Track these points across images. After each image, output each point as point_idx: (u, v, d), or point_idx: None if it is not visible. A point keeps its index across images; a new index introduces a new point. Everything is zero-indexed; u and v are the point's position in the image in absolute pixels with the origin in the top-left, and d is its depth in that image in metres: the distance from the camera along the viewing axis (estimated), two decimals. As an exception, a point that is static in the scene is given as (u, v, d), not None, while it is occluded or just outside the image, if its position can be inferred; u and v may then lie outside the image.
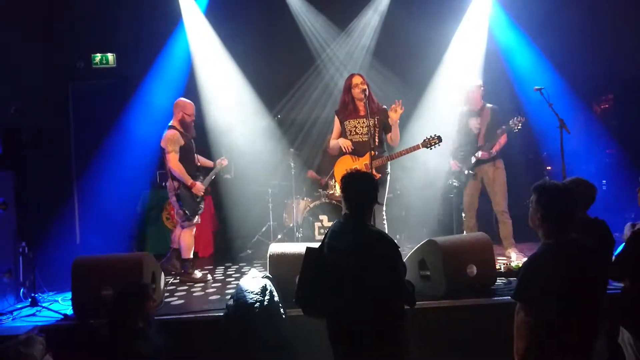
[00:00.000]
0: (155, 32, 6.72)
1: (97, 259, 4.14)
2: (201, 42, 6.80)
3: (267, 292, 3.56)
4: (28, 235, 4.63)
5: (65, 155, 6.76)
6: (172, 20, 6.71)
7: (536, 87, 4.81)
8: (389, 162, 4.66)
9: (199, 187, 4.97)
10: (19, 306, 4.28)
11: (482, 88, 5.42)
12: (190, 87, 6.74)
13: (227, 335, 3.47)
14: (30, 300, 4.31)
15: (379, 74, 6.93)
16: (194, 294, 4.60)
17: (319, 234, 5.67)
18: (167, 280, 4.80)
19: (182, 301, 4.37)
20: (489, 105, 5.45)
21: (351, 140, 4.68)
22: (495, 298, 3.98)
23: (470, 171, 5.37)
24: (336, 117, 4.84)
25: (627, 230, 3.02)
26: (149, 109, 6.33)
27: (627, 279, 2.93)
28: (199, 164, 5.24)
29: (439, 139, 4.50)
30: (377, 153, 4.50)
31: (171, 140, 4.83)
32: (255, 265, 5.71)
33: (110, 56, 6.83)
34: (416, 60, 6.96)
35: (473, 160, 5.35)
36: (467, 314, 3.81)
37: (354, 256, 2.55)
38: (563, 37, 6.64)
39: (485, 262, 4.11)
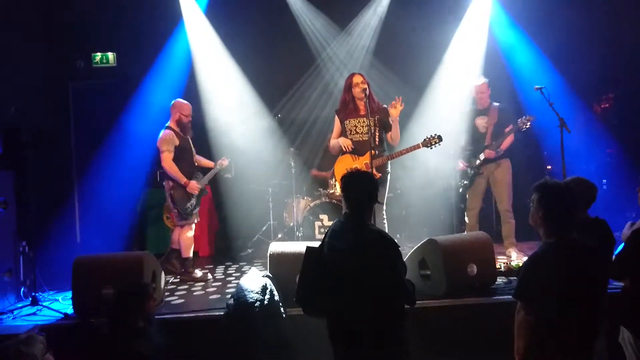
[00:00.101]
0: (155, 32, 6.72)
1: (97, 258, 4.15)
2: (201, 41, 6.80)
3: (268, 291, 3.57)
4: (28, 234, 4.64)
5: (66, 155, 6.75)
6: (172, 19, 6.70)
7: (536, 87, 4.81)
8: (389, 162, 4.66)
9: (193, 185, 5.00)
10: (20, 305, 4.28)
11: (489, 87, 5.43)
12: (190, 87, 6.74)
13: (227, 334, 3.47)
14: (30, 299, 4.32)
15: (379, 73, 6.93)
16: (194, 293, 4.60)
17: (319, 233, 5.67)
18: (167, 279, 4.81)
19: (183, 300, 4.37)
20: (495, 103, 5.45)
21: (351, 139, 4.68)
22: (496, 297, 3.98)
23: (476, 170, 5.36)
24: (336, 116, 4.83)
25: (626, 230, 3.02)
26: (149, 108, 6.32)
27: (627, 279, 2.93)
28: (196, 164, 5.28)
29: (439, 138, 4.50)
30: (377, 152, 4.50)
31: (164, 140, 4.92)
32: (255, 264, 5.71)
33: (111, 55, 6.83)
34: (416, 59, 6.96)
35: (480, 159, 5.34)
36: (467, 313, 3.81)
37: (354, 255, 2.55)
38: (563, 36, 6.63)
39: (485, 262, 4.11)
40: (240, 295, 3.53)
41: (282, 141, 6.90)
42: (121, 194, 6.38)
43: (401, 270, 2.60)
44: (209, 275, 5.19)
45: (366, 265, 2.52)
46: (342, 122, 4.77)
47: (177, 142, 4.97)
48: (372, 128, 4.48)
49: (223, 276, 5.31)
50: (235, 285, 4.37)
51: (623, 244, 3.00)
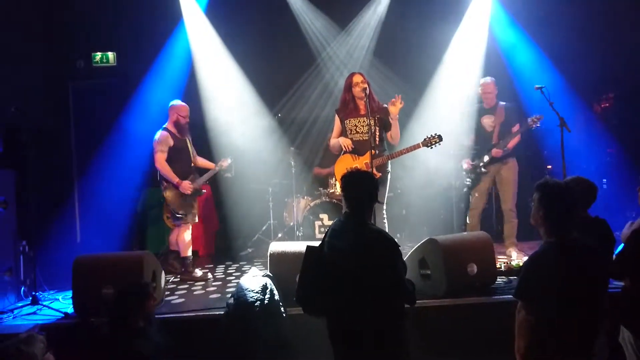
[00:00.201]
0: (155, 31, 6.72)
1: (97, 258, 4.15)
2: (201, 41, 6.80)
3: (268, 290, 3.57)
4: (29, 234, 4.64)
5: (66, 154, 6.75)
6: (172, 19, 6.70)
7: (537, 86, 4.81)
8: (389, 161, 4.66)
9: (185, 185, 5.03)
10: (20, 305, 4.28)
11: (496, 86, 5.43)
12: (190, 86, 6.74)
13: (227, 333, 3.47)
14: (30, 298, 4.32)
15: (379, 72, 6.93)
16: (194, 293, 4.60)
17: (320, 232, 5.67)
18: (167, 279, 4.81)
19: (183, 300, 4.37)
20: (502, 103, 5.45)
21: (351, 139, 4.68)
22: (496, 297, 3.98)
23: (482, 169, 5.36)
24: (336, 115, 4.83)
25: (626, 230, 3.02)
26: (149, 108, 6.32)
27: (627, 278, 2.93)
28: (193, 164, 5.32)
29: (440, 138, 4.49)
30: (377, 152, 4.50)
31: (158, 141, 5.01)
32: (255, 264, 5.72)
33: (111, 55, 6.83)
34: (417, 59, 6.95)
35: (487, 158, 5.34)
36: (467, 313, 3.81)
37: (354, 255, 2.55)
38: (563, 36, 6.63)
39: (485, 261, 4.11)
40: (240, 295, 3.53)
41: (282, 141, 6.90)
42: (121, 194, 6.38)
43: (401, 270, 2.60)
44: (209, 275, 5.20)
45: (366, 265, 2.52)
46: (342, 122, 4.77)
47: (171, 143, 5.04)
48: (372, 127, 4.47)
49: (223, 275, 5.31)
50: (235, 284, 4.37)
51: (623, 244, 3.00)
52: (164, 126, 5.14)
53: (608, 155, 6.72)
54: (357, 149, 4.66)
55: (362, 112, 4.63)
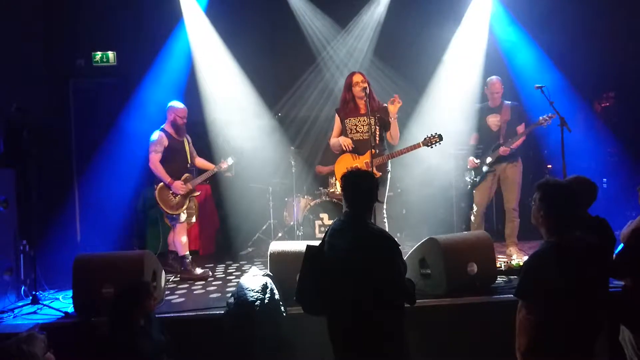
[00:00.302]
0: (155, 30, 6.72)
1: (98, 257, 4.15)
2: (202, 40, 6.80)
3: (268, 290, 3.57)
4: (29, 233, 4.64)
5: (66, 153, 6.75)
6: (172, 18, 6.70)
7: (537, 85, 4.81)
8: (389, 161, 4.66)
9: (177, 185, 5.06)
10: (20, 304, 4.28)
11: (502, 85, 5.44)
12: (190, 85, 6.74)
13: (227, 333, 3.48)
14: (31, 298, 4.32)
15: (379, 72, 6.93)
16: (194, 292, 4.60)
17: (320, 232, 5.68)
18: (167, 278, 4.82)
19: (183, 299, 4.38)
20: (507, 102, 5.45)
21: (352, 138, 4.68)
22: (496, 296, 3.98)
23: (489, 167, 5.36)
24: (337, 115, 4.83)
25: (626, 229, 3.02)
26: (149, 107, 6.32)
27: (627, 278, 2.94)
28: (190, 165, 5.35)
29: (440, 137, 4.49)
30: (377, 151, 4.50)
31: (152, 141, 5.10)
32: (255, 263, 5.72)
33: (111, 54, 6.82)
34: (417, 58, 6.96)
35: (493, 156, 5.34)
36: (467, 313, 3.81)
37: (354, 254, 2.55)
38: (564, 35, 6.63)
39: (485, 260, 4.11)
40: (240, 294, 3.53)
41: (283, 140, 6.90)
42: (122, 193, 6.39)
43: (401, 269, 2.60)
44: (209, 273, 5.22)
45: (366, 264, 2.52)
46: (342, 121, 4.77)
47: (165, 143, 5.09)
48: (372, 127, 4.47)
49: (223, 275, 5.31)
50: (235, 284, 4.37)
51: (622, 244, 3.00)
52: (162, 126, 5.19)
53: (608, 154, 6.72)
54: (358, 149, 4.66)
55: (362, 112, 4.63)
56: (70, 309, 3.94)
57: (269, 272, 3.87)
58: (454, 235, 4.55)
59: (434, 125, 5.54)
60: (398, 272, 2.57)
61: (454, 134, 5.55)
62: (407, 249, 4.63)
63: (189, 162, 5.36)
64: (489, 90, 5.45)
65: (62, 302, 4.31)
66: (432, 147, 4.55)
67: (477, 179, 5.45)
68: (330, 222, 5.49)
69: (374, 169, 4.27)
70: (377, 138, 4.54)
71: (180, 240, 5.12)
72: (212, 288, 4.72)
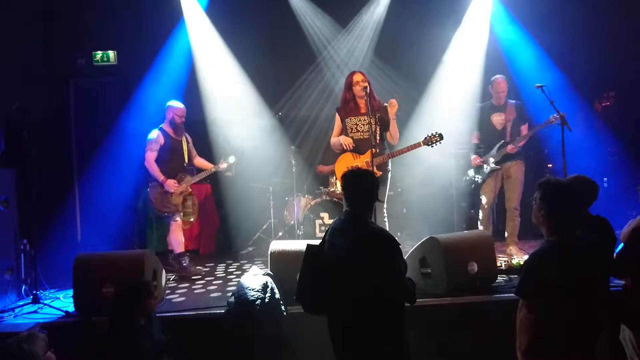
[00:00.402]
0: (156, 30, 6.72)
1: (98, 257, 4.16)
2: (202, 39, 6.80)
3: (268, 289, 3.57)
4: (29, 232, 4.64)
5: (67, 153, 6.75)
6: (173, 18, 6.70)
7: (537, 85, 4.80)
8: (390, 160, 4.66)
9: (170, 183, 5.10)
10: (21, 303, 4.29)
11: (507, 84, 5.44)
12: (191, 85, 6.74)
13: (228, 332, 3.48)
14: (31, 297, 4.33)
15: (380, 71, 6.93)
16: (195, 291, 4.61)
17: (320, 231, 5.68)
18: (167, 277, 4.82)
19: (184, 298, 4.38)
20: (511, 101, 5.46)
21: (352, 137, 4.68)
22: (496, 295, 3.98)
23: (495, 166, 5.36)
24: (337, 114, 4.83)
25: (626, 228, 3.02)
26: (150, 106, 6.33)
27: (628, 277, 2.93)
28: (187, 164, 5.37)
29: (440, 136, 4.49)
30: (378, 151, 4.49)
31: (149, 140, 5.17)
32: (256, 262, 5.72)
33: (112, 54, 6.82)
34: (417, 57, 6.96)
35: (499, 155, 5.33)
36: (468, 312, 3.81)
37: (354, 253, 2.55)
38: (564, 34, 6.62)
39: (486, 260, 4.11)
40: (241, 294, 3.54)
41: (283, 139, 6.90)
42: (122, 192, 6.39)
43: (402, 268, 2.60)
44: (203, 270, 5.28)
45: (367, 264, 2.52)
46: (342, 120, 4.77)
47: (162, 142, 5.15)
48: (372, 126, 4.47)
49: (224, 274, 5.31)
50: (236, 283, 4.37)
51: (622, 244, 3.00)
52: (160, 126, 5.24)
53: (609, 154, 6.71)
54: (358, 148, 4.66)
55: (363, 111, 4.63)
56: (70, 308, 3.95)
57: (269, 272, 3.88)
58: (454, 234, 4.55)
59: (434, 124, 5.53)
60: (398, 272, 2.57)
61: (454, 133, 5.55)
62: (408, 248, 4.62)
63: (186, 161, 5.38)
64: (493, 89, 5.45)
65: (62, 302, 4.31)
66: (432, 146, 4.55)
67: (482, 178, 5.44)
68: (331, 221, 5.49)
69: (375, 168, 4.27)
70: (378, 137, 4.54)
71: (175, 239, 5.17)
72: (212, 287, 4.72)
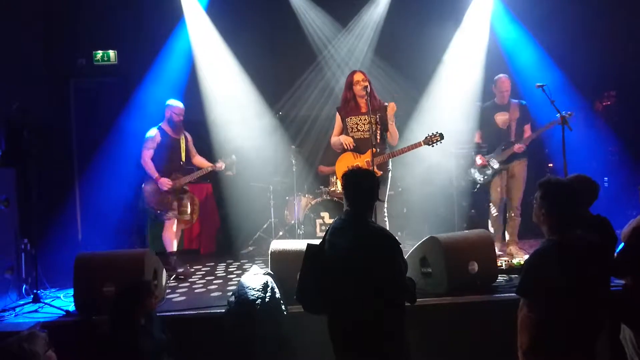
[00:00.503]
0: (156, 29, 6.72)
1: (99, 256, 4.16)
2: (202, 39, 6.80)
3: (269, 288, 3.57)
4: (30, 232, 4.64)
5: (67, 152, 6.76)
6: (173, 17, 6.70)
7: (538, 84, 4.80)
8: (390, 159, 4.66)
9: (163, 181, 5.13)
10: (22, 302, 4.29)
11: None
12: (191, 84, 6.74)
13: (228, 331, 3.48)
14: (32, 296, 4.33)
15: (380, 71, 6.93)
16: (195, 291, 4.61)
17: (321, 230, 5.68)
18: (169, 275, 4.84)
19: (184, 298, 4.38)
20: (514, 100, 5.45)
21: (353, 137, 4.68)
22: (497, 295, 3.98)
23: (501, 165, 5.35)
24: (338, 114, 4.83)
25: (627, 228, 3.02)
26: (150, 106, 6.33)
27: (628, 277, 2.93)
28: (182, 162, 5.39)
29: (441, 136, 4.49)
30: (378, 150, 4.49)
31: (146, 137, 5.21)
32: (256, 262, 5.72)
33: (112, 53, 6.83)
34: (418, 57, 6.95)
35: (506, 154, 5.33)
36: (468, 311, 3.81)
37: (355, 253, 2.55)
38: (565, 34, 6.62)
39: (486, 259, 4.11)
40: (241, 293, 3.54)
41: (283, 139, 6.90)
42: (122, 192, 6.39)
43: (402, 268, 2.60)
44: (191, 269, 5.33)
45: (367, 263, 2.52)
46: (343, 120, 4.77)
47: (158, 140, 5.19)
48: (373, 126, 4.46)
49: (224, 274, 5.31)
50: (236, 282, 4.38)
51: (623, 243, 3.00)
52: (159, 124, 5.29)
53: (609, 153, 6.71)
54: (358, 147, 4.66)
55: (363, 110, 4.63)
56: (71, 307, 3.96)
57: (269, 271, 3.88)
58: (454, 234, 4.55)
59: (435, 124, 5.53)
60: (399, 271, 2.57)
61: (454, 133, 5.55)
62: (408, 248, 4.62)
63: (183, 160, 5.40)
64: (497, 88, 5.44)
65: (63, 301, 4.31)
66: (433, 146, 4.54)
67: (488, 177, 5.43)
68: (331, 220, 5.50)
69: (375, 167, 4.27)
70: (378, 137, 4.54)
71: (166, 237, 5.21)
72: (213, 287, 4.72)
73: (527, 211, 4.76)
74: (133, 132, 6.30)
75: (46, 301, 4.24)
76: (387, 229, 4.28)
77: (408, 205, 6.60)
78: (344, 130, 4.78)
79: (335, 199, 5.76)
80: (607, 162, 6.64)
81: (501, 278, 4.36)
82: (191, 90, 6.67)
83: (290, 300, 3.50)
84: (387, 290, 2.53)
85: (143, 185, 5.23)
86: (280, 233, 6.21)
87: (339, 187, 5.31)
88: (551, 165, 6.68)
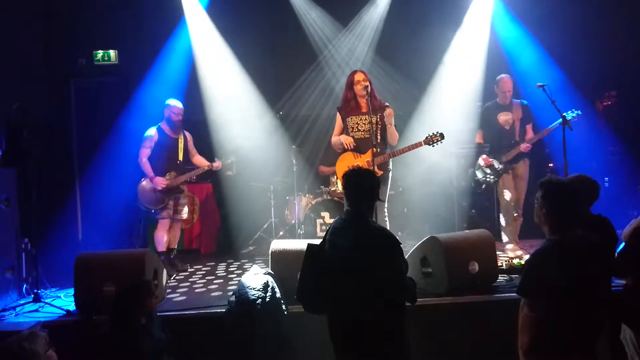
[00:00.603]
0: (157, 29, 6.72)
1: (99, 256, 4.16)
2: (203, 38, 6.80)
3: (269, 288, 3.57)
4: (31, 231, 4.65)
5: (68, 152, 6.76)
6: (174, 17, 6.70)
7: (539, 84, 4.79)
8: (390, 159, 4.66)
9: (158, 180, 5.17)
10: (22, 302, 4.29)
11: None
12: (191, 84, 6.74)
13: (228, 331, 3.48)
14: (33, 296, 4.33)
15: (381, 70, 6.93)
16: (195, 291, 4.61)
17: (321, 230, 5.68)
18: (170, 274, 4.84)
19: (184, 297, 4.38)
20: (516, 100, 5.45)
21: (353, 137, 4.68)
22: (497, 295, 3.98)
23: (506, 164, 5.34)
24: (338, 113, 4.83)
25: (627, 228, 3.02)
26: (150, 106, 6.33)
27: (629, 277, 2.93)
28: (179, 162, 5.40)
29: (442, 136, 4.49)
30: (379, 150, 4.49)
31: (145, 136, 5.26)
32: (257, 261, 5.72)
33: (112, 53, 6.83)
34: (419, 56, 6.95)
35: (512, 154, 5.32)
36: (468, 311, 3.81)
37: (355, 253, 2.55)
38: (566, 33, 6.62)
39: (487, 259, 4.11)
40: (242, 293, 3.54)
41: (284, 139, 6.90)
42: (123, 191, 6.38)
43: (402, 268, 2.60)
44: (178, 268, 5.34)
45: (367, 263, 2.52)
46: (343, 120, 4.77)
47: (156, 139, 5.23)
48: (373, 126, 4.47)
49: (225, 273, 5.31)
50: (236, 282, 4.38)
51: (623, 243, 3.00)
52: (159, 124, 5.33)
53: (610, 153, 6.71)
54: (359, 147, 4.66)
55: (364, 110, 4.63)
56: (71, 307, 3.95)
57: (270, 271, 3.88)
58: (455, 233, 4.55)
59: (435, 123, 5.53)
60: (399, 271, 2.57)
61: (455, 133, 5.55)
62: (408, 248, 4.62)
63: (180, 159, 5.42)
64: (499, 88, 5.43)
65: (63, 301, 4.31)
66: (433, 146, 4.54)
67: (493, 177, 5.41)
68: (332, 220, 5.49)
69: (375, 167, 4.27)
70: (379, 137, 4.54)
71: (157, 235, 5.24)
72: (213, 286, 4.72)
73: (528, 211, 4.76)
74: (133, 132, 6.30)
75: (46, 301, 4.25)
76: (388, 228, 4.28)
77: (408, 205, 6.60)
78: (345, 130, 4.78)
79: (335, 198, 5.76)
80: (608, 162, 6.64)
81: (501, 278, 4.35)
82: (191, 90, 6.67)
83: (290, 300, 3.50)
84: (387, 290, 2.52)
85: (139, 183, 5.26)
86: (281, 233, 6.21)
87: (339, 187, 5.31)
88: (552, 165, 6.68)
